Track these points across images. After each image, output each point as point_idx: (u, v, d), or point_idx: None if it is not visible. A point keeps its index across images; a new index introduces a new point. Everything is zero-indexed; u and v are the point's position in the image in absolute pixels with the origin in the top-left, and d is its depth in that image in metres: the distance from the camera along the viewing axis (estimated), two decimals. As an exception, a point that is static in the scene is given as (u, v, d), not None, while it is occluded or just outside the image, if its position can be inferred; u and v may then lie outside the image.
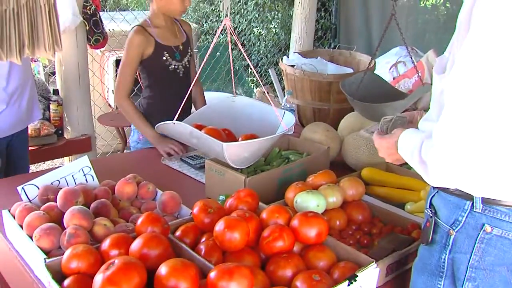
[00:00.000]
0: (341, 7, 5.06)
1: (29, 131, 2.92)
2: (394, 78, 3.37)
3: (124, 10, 4.75)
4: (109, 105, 4.21)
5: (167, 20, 2.61)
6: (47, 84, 3.42)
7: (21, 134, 2.49)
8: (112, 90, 4.00)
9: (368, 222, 1.82)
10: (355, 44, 4.59)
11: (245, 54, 1.96)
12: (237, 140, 2.13)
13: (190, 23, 2.95)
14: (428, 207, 1.38)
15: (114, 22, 3.94)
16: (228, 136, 2.12)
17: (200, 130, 1.98)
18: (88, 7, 3.16)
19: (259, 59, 6.66)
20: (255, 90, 5.77)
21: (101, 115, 3.86)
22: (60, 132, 3.23)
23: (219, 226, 1.44)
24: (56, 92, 3.20)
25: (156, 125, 2.03)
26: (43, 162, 3.79)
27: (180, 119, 2.04)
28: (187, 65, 2.65)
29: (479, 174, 1.12)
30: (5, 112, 2.30)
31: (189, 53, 2.67)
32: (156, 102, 2.67)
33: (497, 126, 1.09)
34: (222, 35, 2.08)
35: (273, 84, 4.05)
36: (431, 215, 1.35)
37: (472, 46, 1.09)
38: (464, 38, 1.12)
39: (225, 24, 1.97)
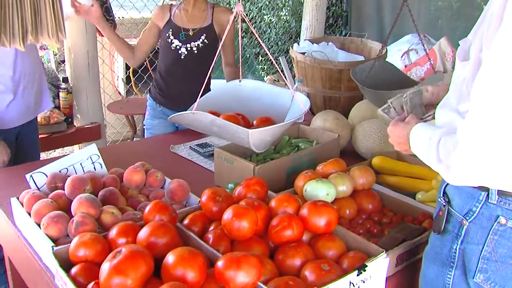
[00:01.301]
0: (352, -5, 5.01)
1: (39, 119, 2.93)
2: (405, 66, 3.32)
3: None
4: (119, 93, 4.20)
5: (195, 3, 2.68)
6: (57, 72, 3.41)
7: (31, 123, 2.47)
8: (122, 78, 3.98)
9: (379, 212, 1.80)
10: (367, 32, 4.53)
11: (260, 40, 1.92)
12: (252, 124, 2.11)
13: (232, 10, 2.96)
14: (441, 195, 1.35)
15: (124, 10, 3.93)
16: (244, 120, 2.10)
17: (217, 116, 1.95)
18: (100, -6, 3.14)
19: (269, 46, 6.61)
20: (265, 78, 5.73)
21: (111, 103, 3.86)
22: (69, 120, 3.24)
23: (227, 214, 1.43)
24: (65, 80, 3.20)
25: (171, 116, 2.01)
26: (53, 150, 3.79)
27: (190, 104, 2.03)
28: (194, 51, 2.63)
29: (503, 171, 1.09)
30: (13, 102, 2.28)
31: (203, 40, 2.66)
32: (159, 82, 2.79)
33: None
34: (236, 21, 2.06)
35: (283, 72, 4.02)
36: (444, 204, 1.33)
37: (504, 42, 1.05)
38: (495, 31, 1.08)
39: (237, 11, 1.93)
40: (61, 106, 3.19)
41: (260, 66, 6.79)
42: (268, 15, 6.45)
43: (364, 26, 4.93)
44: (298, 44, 3.04)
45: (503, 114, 1.04)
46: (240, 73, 2.30)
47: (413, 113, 1.49)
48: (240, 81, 2.27)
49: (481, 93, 1.07)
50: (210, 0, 2.82)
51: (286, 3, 6.02)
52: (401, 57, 3.43)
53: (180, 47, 2.66)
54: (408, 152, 1.38)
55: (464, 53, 1.23)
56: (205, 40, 2.66)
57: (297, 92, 2.77)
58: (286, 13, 6.13)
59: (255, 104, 2.21)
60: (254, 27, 6.79)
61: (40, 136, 3.00)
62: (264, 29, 6.66)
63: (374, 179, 1.86)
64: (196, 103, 1.94)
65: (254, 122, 2.10)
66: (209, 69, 2.12)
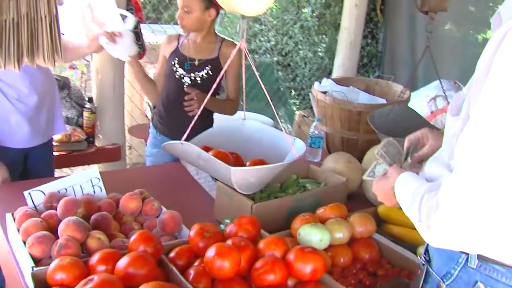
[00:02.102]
0: (388, 35, 4.97)
1: (60, 136, 2.98)
2: (431, 112, 3.26)
3: (166, 24, 4.82)
4: (146, 116, 4.25)
5: (200, 35, 2.69)
6: (83, 91, 3.49)
7: (44, 144, 2.47)
8: (148, 103, 4.04)
9: (375, 262, 1.73)
10: (399, 74, 4.50)
11: (258, 76, 1.90)
12: (244, 165, 2.09)
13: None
14: (423, 253, 1.29)
15: (155, 35, 4.01)
16: (236, 159, 2.08)
17: (208, 151, 1.95)
18: (132, 19, 3.21)
19: (303, 81, 6.62)
20: (296, 113, 5.73)
21: (132, 126, 3.90)
22: (91, 139, 3.29)
23: (210, 252, 1.40)
24: (90, 100, 3.26)
25: (163, 144, 2.01)
26: (71, 169, 3.85)
27: (194, 136, 2.03)
28: (198, 81, 2.64)
29: (485, 236, 1.02)
30: (21, 123, 2.28)
31: (207, 71, 2.67)
32: (160, 110, 2.80)
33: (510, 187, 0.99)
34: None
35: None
36: (423, 263, 1.27)
37: (489, 98, 0.98)
38: (482, 85, 1.03)
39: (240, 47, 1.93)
40: (84, 125, 3.25)
41: (292, 101, 6.79)
42: (304, 50, 6.48)
43: (397, 68, 4.89)
44: (320, 82, 3.02)
45: (487, 176, 0.98)
46: (244, 113, 2.27)
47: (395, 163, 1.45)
48: (243, 120, 2.25)
49: (464, 152, 1.02)
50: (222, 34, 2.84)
51: (323, 40, 6.03)
52: (428, 102, 3.37)
53: (184, 76, 2.67)
54: (398, 206, 1.33)
55: (456, 107, 1.18)
56: (210, 72, 2.66)
57: (315, 134, 2.76)
58: (322, 49, 6.15)
59: (255, 146, 2.20)
60: (290, 61, 6.87)
61: (59, 153, 3.07)
62: (299, 64, 6.69)
63: (374, 228, 1.80)
64: (185, 134, 1.95)
65: (247, 163, 2.08)
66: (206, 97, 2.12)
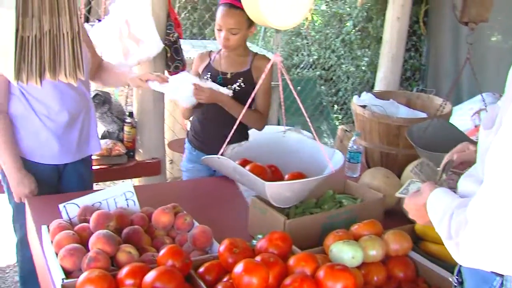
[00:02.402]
0: (431, 48, 4.86)
1: (100, 150, 3.04)
2: (475, 126, 3.16)
3: (206, 39, 4.89)
4: (187, 130, 4.29)
5: (237, 50, 2.68)
6: (124, 106, 3.55)
7: (80, 161, 2.46)
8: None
9: (411, 281, 1.67)
10: (443, 88, 4.38)
11: (293, 90, 1.87)
12: (283, 178, 2.06)
13: (271, 58, 2.97)
14: (456, 274, 1.24)
15: (195, 51, 4.06)
16: (274, 173, 2.06)
17: (245, 165, 1.94)
18: (171, 35, 3.26)
19: (346, 96, 6.56)
20: (338, 127, 5.67)
21: (172, 140, 3.94)
22: (131, 153, 3.34)
23: (238, 268, 1.39)
24: (131, 114, 3.32)
25: (203, 158, 2.01)
26: (112, 182, 3.91)
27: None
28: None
29: None
30: (50, 141, 2.29)
31: (240, 83, 2.66)
32: (195, 125, 2.82)
33: None
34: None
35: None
36: (455, 284, 1.21)
37: None
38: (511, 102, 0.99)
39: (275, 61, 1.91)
40: (124, 139, 3.30)
41: (335, 115, 6.74)
42: (347, 65, 6.43)
43: (441, 82, 4.76)
44: (359, 96, 2.97)
45: None
46: (283, 123, 2.24)
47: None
48: (284, 132, 2.23)
49: (493, 166, 0.97)
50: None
51: (365, 53, 5.97)
52: (472, 116, 3.26)
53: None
54: (430, 223, 1.28)
55: (491, 120, 1.13)
56: (242, 84, 2.65)
57: (354, 148, 2.71)
58: (364, 63, 6.08)
59: (295, 158, 2.16)
60: (332, 75, 6.83)
61: (99, 167, 3.12)
62: (341, 78, 6.63)
63: (410, 245, 1.74)
64: (222, 148, 1.94)
65: (286, 177, 2.05)
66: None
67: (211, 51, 2.82)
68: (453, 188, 1.32)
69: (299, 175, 1.99)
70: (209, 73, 2.70)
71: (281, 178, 2.06)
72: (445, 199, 1.17)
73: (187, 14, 6.87)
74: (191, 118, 2.95)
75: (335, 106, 6.78)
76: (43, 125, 2.25)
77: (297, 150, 2.17)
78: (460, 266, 1.23)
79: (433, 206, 1.21)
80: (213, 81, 2.67)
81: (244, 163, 1.98)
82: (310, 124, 2.03)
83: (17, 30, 1.11)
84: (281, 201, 1.89)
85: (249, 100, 2.04)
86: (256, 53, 2.76)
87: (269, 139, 2.26)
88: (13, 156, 2.23)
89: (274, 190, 1.83)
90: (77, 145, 2.39)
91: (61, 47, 1.12)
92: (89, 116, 2.45)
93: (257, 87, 2.01)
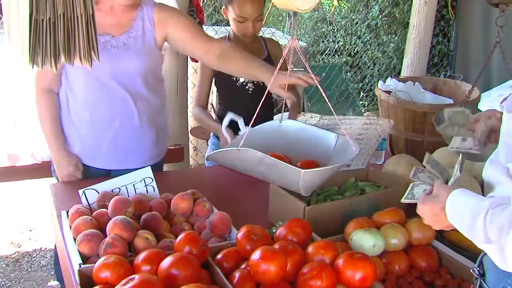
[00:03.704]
0: (460, 33, 4.73)
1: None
2: (505, 113, 3.05)
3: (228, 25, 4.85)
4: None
5: (251, 38, 2.66)
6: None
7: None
8: (212, 104, 4.07)
9: (433, 272, 1.63)
10: (472, 73, 4.26)
11: (312, 75, 1.82)
12: (297, 167, 1.99)
13: (279, 42, 2.91)
14: (477, 265, 1.19)
15: (219, 37, 4.01)
16: (290, 163, 1.99)
17: None
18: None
19: (372, 82, 6.46)
20: (364, 114, 5.60)
21: (194, 127, 3.92)
22: (154, 140, 3.33)
23: (255, 255, 1.36)
24: (154, 101, 3.31)
25: (211, 153, 1.91)
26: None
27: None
28: (260, 84, 2.59)
29: None
30: (91, 142, 2.22)
31: None
32: (220, 108, 2.77)
33: None
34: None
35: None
36: (477, 276, 1.16)
37: None
38: None
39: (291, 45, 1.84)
40: (147, 126, 3.30)
41: (361, 102, 6.65)
42: (373, 51, 6.32)
43: (470, 67, 4.63)
44: (384, 82, 2.91)
45: None
46: (282, 112, 2.16)
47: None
48: (280, 121, 2.13)
49: None
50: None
51: (392, 39, 5.85)
52: (501, 102, 3.16)
53: (247, 83, 2.65)
54: (449, 228, 1.21)
55: None
56: None
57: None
58: (391, 49, 5.96)
59: (295, 147, 2.06)
60: (359, 62, 6.72)
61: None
62: (368, 64, 6.53)
63: (433, 234, 1.69)
64: (242, 140, 1.80)
65: (298, 164, 1.93)
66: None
67: (225, 37, 2.76)
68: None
69: (312, 162, 1.93)
70: None
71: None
72: (471, 200, 1.09)
73: (212, 1, 6.84)
74: (214, 106, 2.92)
75: (361, 93, 6.69)
76: (81, 127, 2.22)
77: (296, 139, 2.07)
78: (482, 256, 1.18)
79: (457, 210, 1.14)
80: None
81: None
82: (332, 110, 1.96)
83: (31, 14, 1.11)
84: (310, 190, 1.82)
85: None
86: (265, 38, 2.72)
87: (264, 129, 2.12)
88: (53, 135, 2.18)
89: (308, 178, 1.74)
90: (124, 156, 2.30)
91: (75, 30, 1.11)
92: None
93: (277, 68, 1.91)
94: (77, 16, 1.10)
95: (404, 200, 1.42)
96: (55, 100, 2.18)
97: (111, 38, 2.09)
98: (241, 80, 2.66)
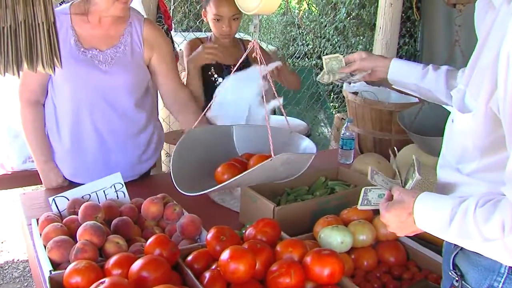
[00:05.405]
0: (425, 34, 4.83)
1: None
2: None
3: (198, 31, 4.87)
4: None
5: (230, 39, 2.67)
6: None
7: None
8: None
9: (401, 266, 1.67)
10: (438, 73, 4.34)
11: (270, 81, 1.81)
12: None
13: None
14: (451, 268, 1.17)
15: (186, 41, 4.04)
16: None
17: (249, 159, 1.82)
18: (161, 27, 3.24)
19: (341, 84, 6.53)
20: (335, 116, 5.67)
21: (166, 132, 3.92)
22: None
23: (224, 255, 1.39)
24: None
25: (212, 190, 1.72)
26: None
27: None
28: None
29: None
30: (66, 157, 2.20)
31: None
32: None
33: None
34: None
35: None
36: (456, 278, 1.15)
37: None
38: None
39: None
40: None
41: (332, 104, 6.72)
42: (341, 53, 6.40)
43: (436, 67, 4.73)
44: (350, 83, 2.95)
45: None
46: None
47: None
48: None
49: None
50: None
51: (360, 41, 5.94)
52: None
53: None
54: (415, 233, 1.19)
55: (463, 104, 1.08)
56: None
57: (346, 135, 2.69)
58: (360, 51, 6.05)
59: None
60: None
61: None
62: (338, 66, 6.60)
63: (399, 230, 1.74)
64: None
65: (251, 162, 1.81)
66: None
67: (201, 40, 2.76)
68: None
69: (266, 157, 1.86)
70: (212, 68, 2.63)
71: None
72: (446, 202, 1.05)
73: (181, 7, 6.84)
74: None
75: (331, 94, 6.77)
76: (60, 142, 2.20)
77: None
78: (454, 258, 1.17)
79: (428, 214, 1.10)
80: (219, 76, 2.62)
81: (248, 157, 1.87)
82: (283, 112, 1.93)
83: (-8, 22, 1.11)
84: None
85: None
86: (242, 39, 2.74)
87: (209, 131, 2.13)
88: (40, 148, 2.16)
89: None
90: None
91: (37, 37, 1.12)
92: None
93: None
94: (38, 24, 1.11)
95: (360, 207, 1.38)
96: (40, 111, 2.15)
97: (98, 52, 2.08)
98: (218, 82, 2.65)
